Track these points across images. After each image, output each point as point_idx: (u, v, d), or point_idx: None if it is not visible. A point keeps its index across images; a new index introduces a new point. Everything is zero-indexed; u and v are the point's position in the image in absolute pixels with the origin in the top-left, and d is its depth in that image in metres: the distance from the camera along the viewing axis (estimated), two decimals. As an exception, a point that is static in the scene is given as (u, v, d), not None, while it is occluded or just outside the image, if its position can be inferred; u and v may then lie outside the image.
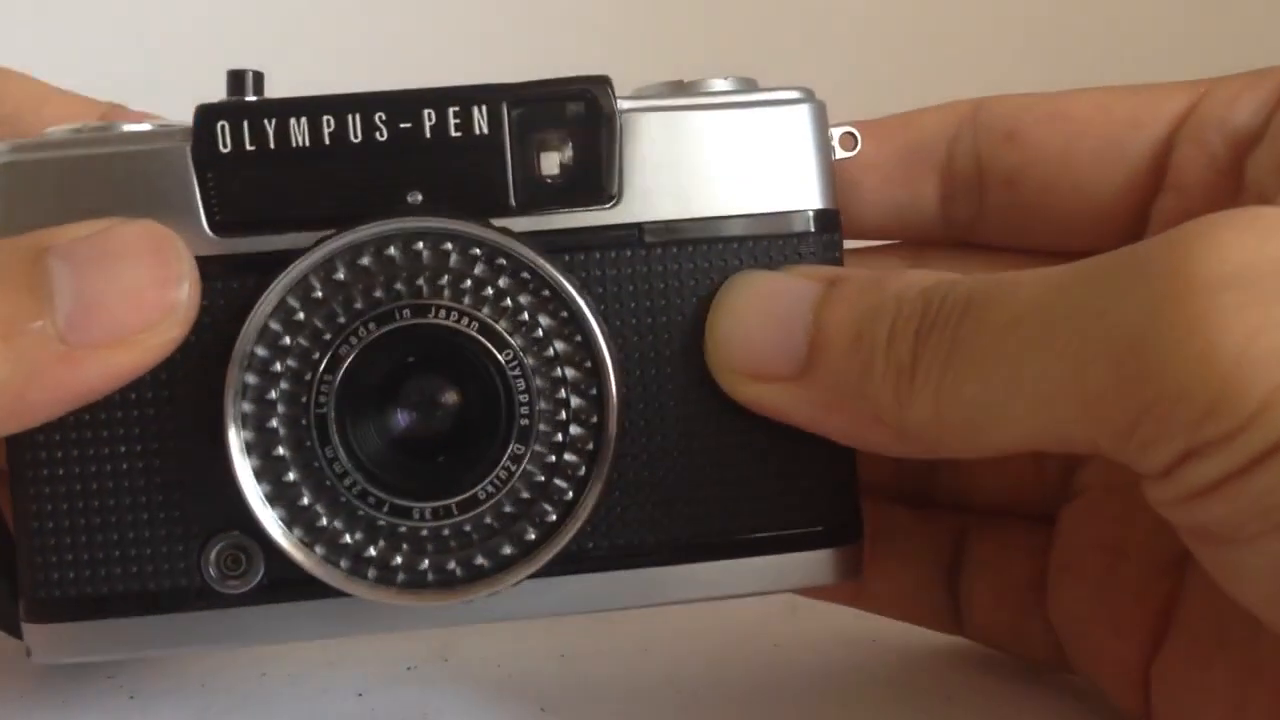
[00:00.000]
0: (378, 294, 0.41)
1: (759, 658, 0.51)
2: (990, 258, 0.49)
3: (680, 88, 0.45)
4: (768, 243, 0.44)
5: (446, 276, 0.41)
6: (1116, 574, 0.44)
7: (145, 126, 0.43)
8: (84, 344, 0.39)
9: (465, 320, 0.41)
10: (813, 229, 0.44)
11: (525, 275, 0.41)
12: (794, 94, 0.45)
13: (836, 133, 0.46)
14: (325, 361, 0.40)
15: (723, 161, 0.44)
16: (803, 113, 0.45)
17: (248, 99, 0.44)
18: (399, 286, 0.41)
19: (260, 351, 0.41)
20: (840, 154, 0.46)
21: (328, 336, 0.41)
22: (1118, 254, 0.36)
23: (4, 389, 0.38)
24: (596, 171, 0.43)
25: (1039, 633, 0.47)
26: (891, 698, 0.48)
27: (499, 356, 0.41)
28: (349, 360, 0.40)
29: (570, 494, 0.42)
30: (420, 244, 0.41)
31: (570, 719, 0.46)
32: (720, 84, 0.45)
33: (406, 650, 0.51)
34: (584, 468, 0.42)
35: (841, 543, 0.45)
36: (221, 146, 0.42)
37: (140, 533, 0.42)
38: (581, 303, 0.41)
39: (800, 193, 0.44)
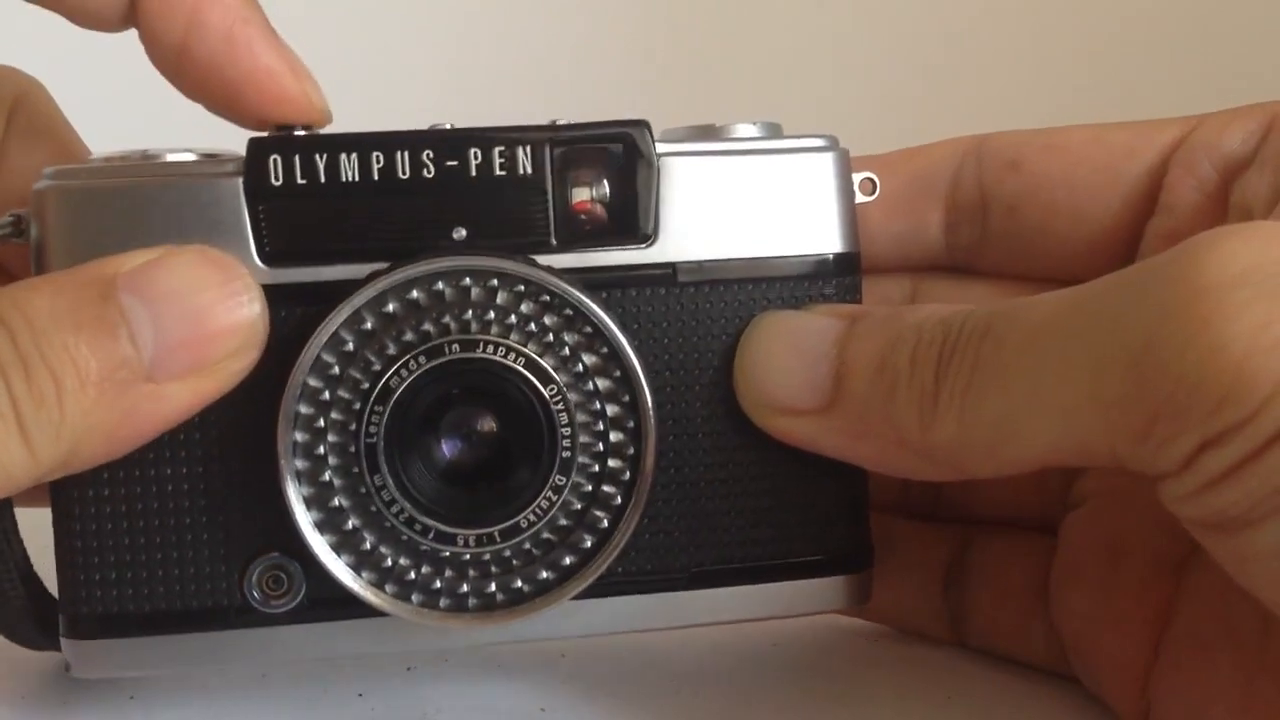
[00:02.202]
0: (427, 328, 0.42)
1: (759, 658, 0.52)
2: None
3: (709, 131, 0.47)
4: (793, 283, 0.46)
5: (494, 313, 0.42)
6: (1119, 574, 0.46)
7: (190, 156, 0.44)
8: (169, 379, 0.40)
9: (513, 355, 0.42)
10: (835, 270, 0.47)
11: (569, 312, 0.43)
12: (819, 141, 0.47)
13: (857, 178, 0.48)
14: (376, 392, 0.42)
15: (752, 205, 0.46)
16: (827, 160, 0.47)
17: (297, 133, 0.45)
18: (448, 321, 0.42)
19: (313, 381, 0.42)
20: (860, 198, 0.48)
21: (378, 368, 0.42)
22: (1127, 270, 0.38)
23: (97, 432, 0.39)
24: (634, 211, 0.45)
25: (1041, 637, 0.49)
26: (891, 698, 0.49)
27: (544, 391, 0.42)
28: (399, 392, 0.42)
29: (606, 523, 0.44)
30: (468, 280, 0.43)
31: (570, 719, 0.46)
32: (747, 129, 0.47)
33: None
34: (619, 498, 0.44)
35: (853, 569, 0.48)
36: (274, 179, 0.43)
37: (184, 553, 0.44)
38: (623, 339, 0.43)
39: (824, 236, 0.47)
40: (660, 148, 0.45)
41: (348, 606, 0.43)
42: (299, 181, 0.43)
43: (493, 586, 0.43)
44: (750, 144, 0.46)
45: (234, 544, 0.44)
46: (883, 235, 0.51)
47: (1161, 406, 0.35)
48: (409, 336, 0.42)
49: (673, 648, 0.52)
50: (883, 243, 0.51)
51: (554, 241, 0.44)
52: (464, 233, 0.44)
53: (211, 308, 0.41)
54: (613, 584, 0.45)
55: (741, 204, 0.46)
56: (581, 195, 0.45)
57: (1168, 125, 0.48)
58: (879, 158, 0.51)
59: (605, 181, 0.45)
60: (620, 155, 0.45)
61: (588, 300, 0.43)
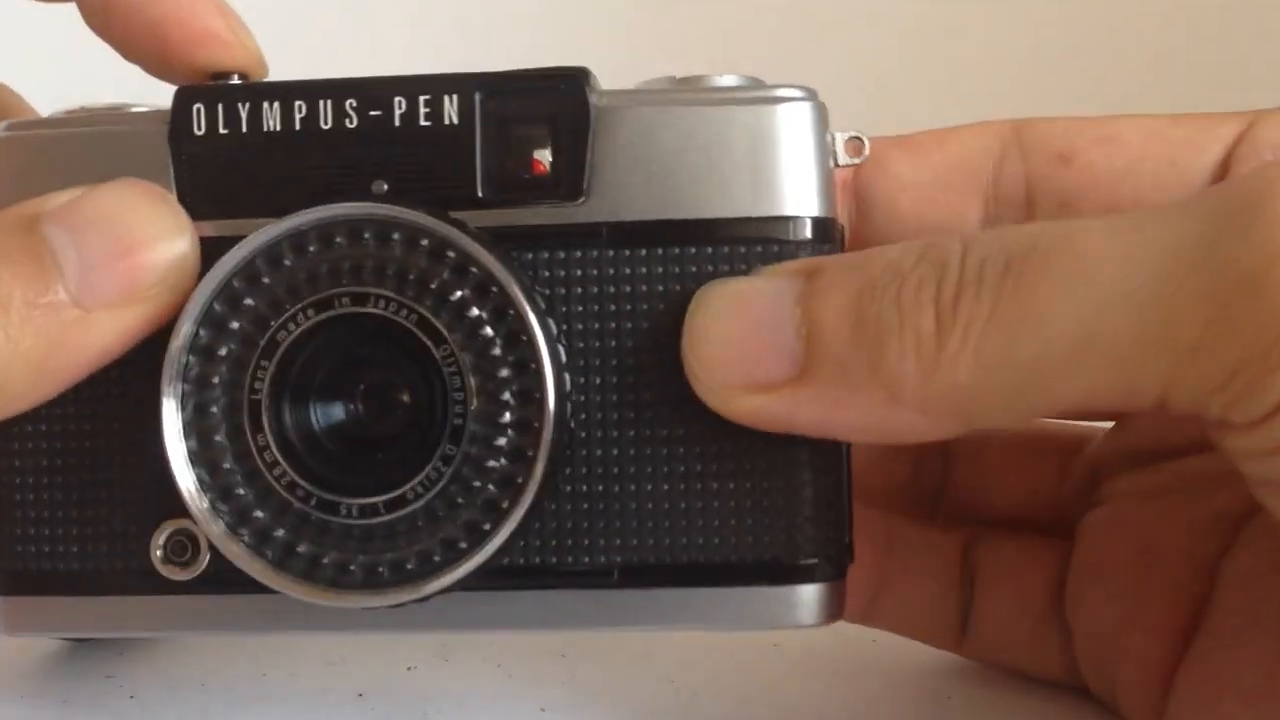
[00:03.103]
0: (321, 281, 0.40)
1: (759, 658, 0.51)
2: None
3: (675, 84, 0.42)
4: (754, 249, 0.41)
5: (391, 267, 0.39)
6: (1148, 577, 0.44)
7: (143, 109, 0.44)
8: (99, 306, 0.39)
9: (404, 312, 0.39)
10: (810, 237, 0.41)
11: (473, 270, 0.40)
12: (792, 91, 0.42)
13: (841, 137, 0.42)
14: (262, 346, 0.40)
15: (707, 161, 0.41)
16: (801, 111, 0.41)
17: (230, 83, 0.43)
18: (343, 274, 0.40)
19: (204, 334, 0.40)
20: (845, 160, 0.42)
21: (271, 321, 0.40)
22: (1208, 198, 0.35)
23: (27, 361, 0.39)
24: (567, 166, 0.41)
25: (1056, 643, 0.47)
26: (892, 698, 0.48)
27: (435, 352, 0.39)
28: (285, 345, 0.39)
29: (505, 503, 0.39)
30: (367, 233, 0.40)
31: (570, 719, 0.45)
32: (720, 81, 0.42)
33: (406, 650, 0.51)
34: (521, 476, 0.39)
35: (821, 578, 0.41)
36: (196, 129, 0.42)
37: (97, 511, 0.42)
38: (526, 303, 0.39)
39: (795, 198, 0.41)
40: (600, 99, 0.41)
41: (247, 582, 0.40)
42: (221, 131, 0.42)
43: (381, 565, 0.40)
44: (710, 94, 0.41)
45: (147, 506, 0.42)
46: (913, 226, 0.47)
47: (1253, 355, 0.33)
48: (303, 290, 0.40)
49: (673, 648, 0.51)
50: (914, 235, 0.46)
51: (480, 195, 0.41)
52: (384, 186, 0.41)
53: (136, 230, 0.40)
54: (523, 574, 0.41)
55: (695, 160, 0.41)
56: (511, 147, 0.41)
57: (1225, 120, 0.45)
58: (902, 139, 0.47)
59: (538, 133, 0.41)
60: (554, 105, 0.41)
61: (491, 257, 0.39)
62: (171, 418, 0.40)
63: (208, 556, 0.41)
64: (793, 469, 0.41)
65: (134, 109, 0.44)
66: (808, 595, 0.41)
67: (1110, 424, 0.49)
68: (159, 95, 0.45)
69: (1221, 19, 0.96)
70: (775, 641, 0.51)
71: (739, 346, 0.39)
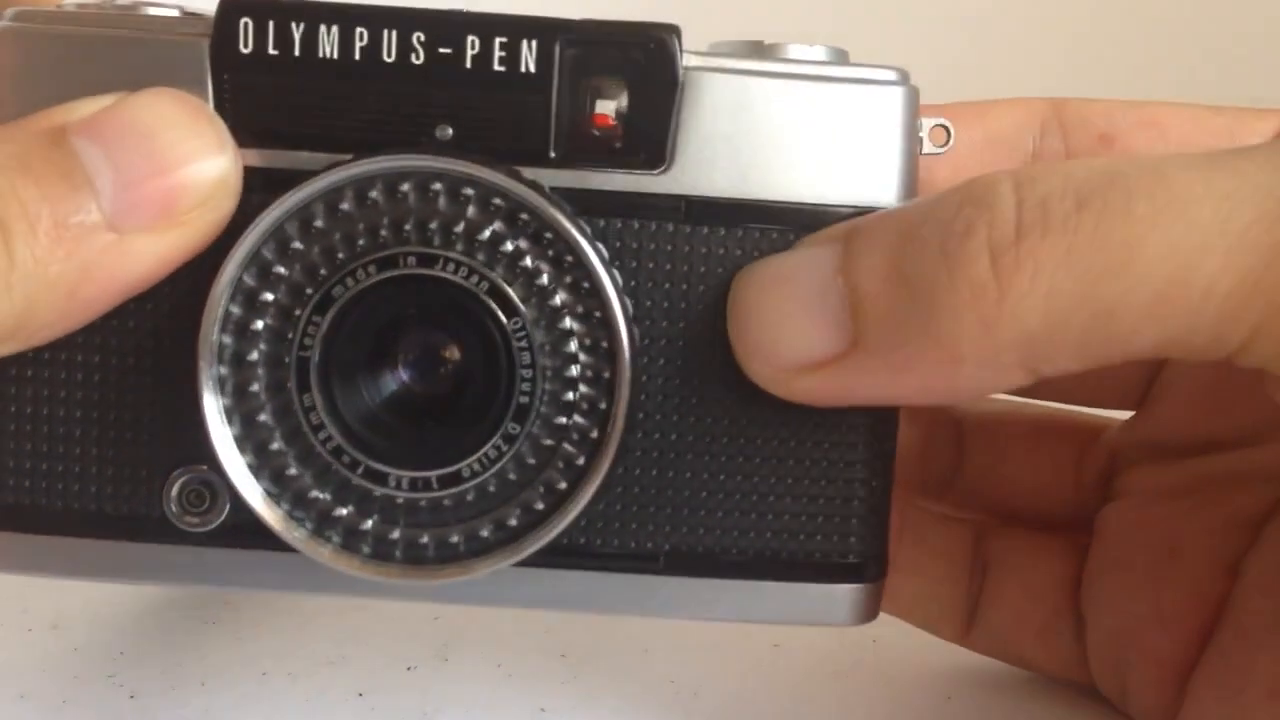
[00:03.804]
0: (384, 235, 0.37)
1: (759, 658, 0.50)
2: None
3: (759, 50, 0.40)
4: None
5: (461, 226, 0.37)
6: (1169, 572, 0.44)
7: (173, 12, 0.40)
8: (134, 229, 0.36)
9: (475, 279, 0.37)
10: None
11: (548, 236, 0.37)
12: (886, 74, 0.40)
13: (927, 124, 0.40)
14: (316, 300, 0.37)
15: (793, 140, 0.39)
16: (894, 96, 0.39)
17: None
18: (408, 230, 0.37)
19: (249, 280, 0.37)
20: (929, 148, 0.41)
21: (323, 273, 0.37)
22: None
23: (55, 287, 0.35)
24: (649, 131, 0.38)
25: (1068, 634, 0.46)
26: (892, 697, 0.47)
27: (506, 324, 0.37)
28: (341, 302, 0.37)
29: (564, 485, 0.38)
30: (438, 185, 0.37)
31: (570, 719, 0.45)
32: (804, 51, 0.40)
33: (407, 650, 0.50)
34: (583, 458, 0.38)
35: (862, 579, 0.41)
36: (242, 46, 0.38)
37: (104, 451, 0.39)
38: (604, 276, 0.37)
39: (878, 186, 0.39)
40: (690, 60, 0.39)
41: (272, 537, 0.38)
42: (270, 51, 0.38)
43: (425, 538, 0.38)
44: (801, 67, 0.39)
45: (161, 450, 0.39)
46: None
47: None
48: (362, 242, 0.37)
49: (673, 648, 0.50)
50: None
51: (553, 155, 0.38)
52: (449, 131, 0.38)
53: (176, 147, 0.36)
54: (576, 556, 0.39)
55: (781, 138, 0.39)
56: (590, 104, 0.38)
57: (1265, 115, 0.45)
58: (942, 108, 0.44)
59: (620, 92, 0.38)
60: (641, 63, 0.38)
61: (568, 225, 0.37)
62: (207, 368, 0.37)
63: (228, 508, 0.39)
64: (849, 467, 0.40)
65: (153, 10, 0.40)
66: (851, 595, 0.41)
67: (1104, 418, 0.50)
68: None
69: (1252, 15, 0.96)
70: (775, 642, 0.51)
71: (784, 326, 0.38)
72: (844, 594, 0.40)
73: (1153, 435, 0.47)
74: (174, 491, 0.39)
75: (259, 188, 0.38)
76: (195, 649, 0.49)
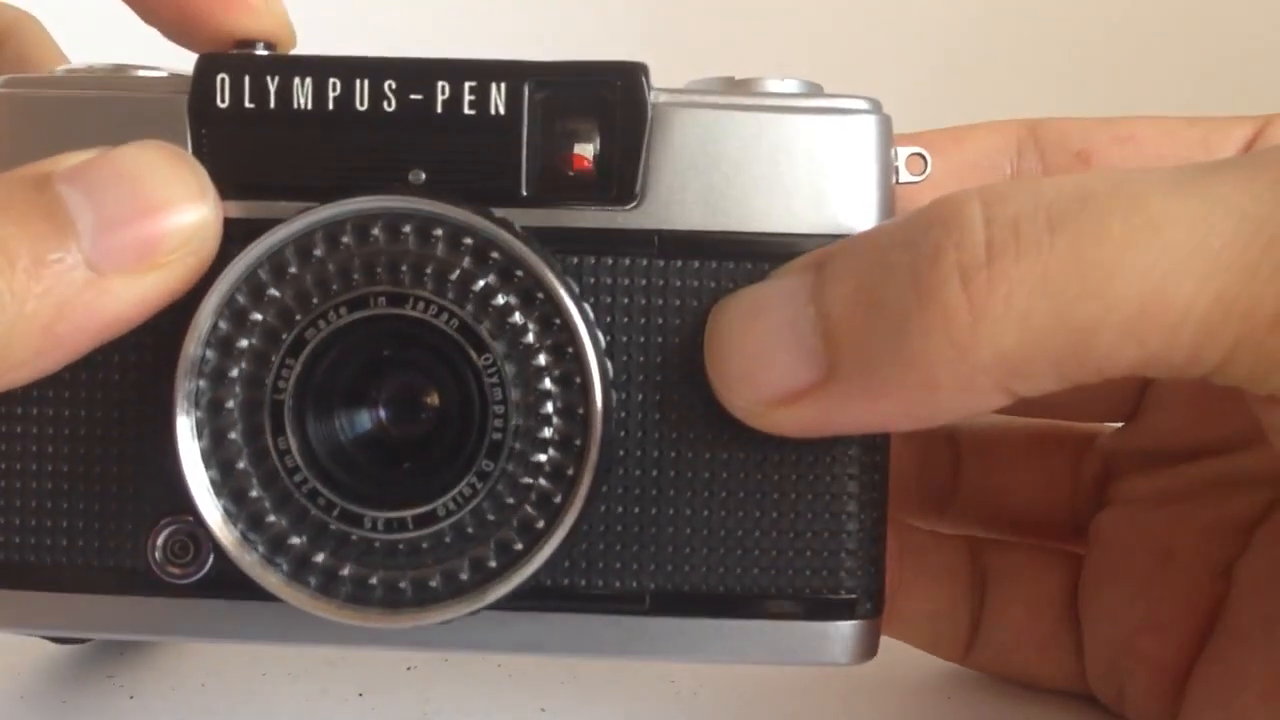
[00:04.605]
0: (355, 277, 0.37)
1: None
2: None
3: (731, 85, 0.40)
4: None
5: (432, 266, 0.37)
6: (1163, 577, 0.44)
7: (159, 74, 0.41)
8: (114, 270, 0.36)
9: (445, 316, 0.37)
10: None
11: (519, 274, 0.37)
12: (858, 103, 0.39)
13: (903, 153, 0.40)
14: (289, 343, 0.37)
15: (766, 171, 0.39)
16: (866, 124, 0.39)
17: (256, 53, 0.40)
18: (379, 271, 0.37)
19: (223, 326, 0.37)
20: (906, 177, 0.40)
21: (297, 317, 0.37)
22: (1268, 163, 0.34)
23: (31, 322, 0.36)
24: (620, 167, 0.39)
25: (1068, 645, 0.46)
26: (892, 697, 0.47)
27: (476, 360, 0.37)
28: (314, 344, 0.37)
29: (541, 523, 0.37)
30: (407, 226, 0.37)
31: (570, 719, 0.44)
32: (777, 84, 0.40)
33: (406, 650, 0.49)
34: (559, 496, 0.37)
35: (857, 615, 0.40)
36: (219, 101, 0.39)
37: (91, 505, 0.40)
38: (575, 312, 0.37)
39: (853, 216, 0.39)
40: (659, 96, 0.39)
41: (254, 587, 0.38)
42: (246, 105, 0.39)
43: (404, 582, 0.37)
44: (772, 99, 0.39)
45: (146, 502, 0.39)
46: None
47: None
48: (335, 285, 0.37)
49: None
50: None
51: (525, 194, 0.39)
52: (422, 175, 0.38)
53: (158, 191, 0.37)
54: (559, 598, 0.39)
55: (754, 169, 0.39)
56: (560, 143, 0.39)
57: (1240, 122, 0.45)
58: (918, 137, 0.45)
59: (591, 130, 0.39)
60: (609, 101, 0.39)
61: (538, 261, 0.37)
62: (184, 414, 0.37)
63: (211, 558, 0.39)
64: (837, 500, 0.39)
65: (140, 72, 0.41)
66: (846, 632, 0.40)
67: (1097, 425, 0.49)
68: (163, 60, 0.42)
69: (1227, 21, 0.96)
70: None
71: (760, 359, 0.37)
72: (837, 631, 0.39)
73: (1144, 442, 0.47)
74: (159, 541, 0.39)
75: (239, 237, 0.38)
76: (195, 649, 0.49)
